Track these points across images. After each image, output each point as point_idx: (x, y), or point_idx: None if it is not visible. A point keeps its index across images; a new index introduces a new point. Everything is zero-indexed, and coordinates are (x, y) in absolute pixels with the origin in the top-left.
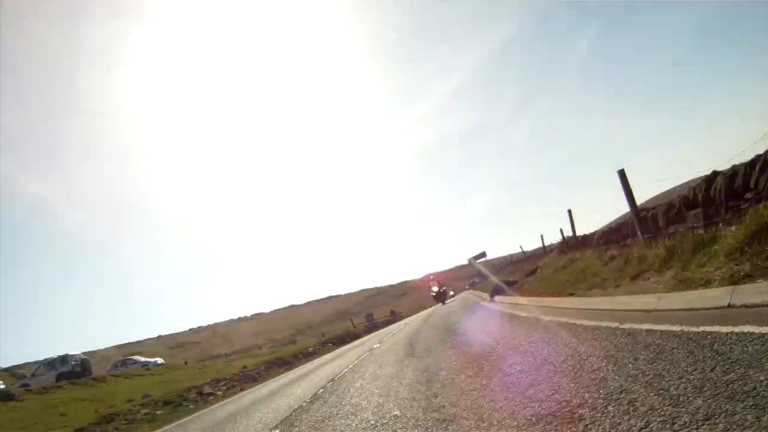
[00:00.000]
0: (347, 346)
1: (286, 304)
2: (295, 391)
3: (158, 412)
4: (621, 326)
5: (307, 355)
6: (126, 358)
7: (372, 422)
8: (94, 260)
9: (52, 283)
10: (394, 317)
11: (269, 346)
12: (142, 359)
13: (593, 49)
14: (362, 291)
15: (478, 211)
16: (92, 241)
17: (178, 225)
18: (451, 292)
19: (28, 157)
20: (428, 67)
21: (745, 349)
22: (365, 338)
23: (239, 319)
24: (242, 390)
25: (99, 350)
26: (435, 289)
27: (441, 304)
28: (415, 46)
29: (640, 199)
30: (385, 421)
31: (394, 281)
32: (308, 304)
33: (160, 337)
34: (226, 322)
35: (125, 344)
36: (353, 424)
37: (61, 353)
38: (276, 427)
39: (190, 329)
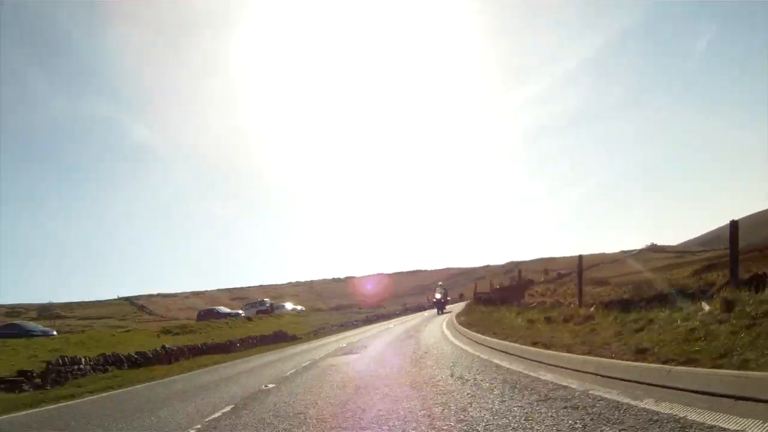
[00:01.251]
0: (417, 313)
1: (376, 272)
2: (401, 319)
3: (341, 327)
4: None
5: (396, 315)
6: (278, 304)
7: (415, 322)
8: (201, 208)
9: (161, 226)
10: (462, 299)
11: (361, 308)
12: (290, 306)
13: (711, 49)
14: (447, 269)
15: (570, 203)
16: (199, 190)
17: (282, 183)
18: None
19: (140, 105)
20: (539, 51)
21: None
22: (427, 312)
23: (332, 279)
24: (374, 323)
25: (208, 291)
26: (438, 296)
27: (438, 312)
28: (528, 27)
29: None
30: (420, 321)
31: (478, 264)
32: (396, 274)
33: (261, 286)
34: (320, 280)
35: (231, 289)
36: (407, 323)
37: (259, 299)
38: (400, 323)
39: (288, 283)
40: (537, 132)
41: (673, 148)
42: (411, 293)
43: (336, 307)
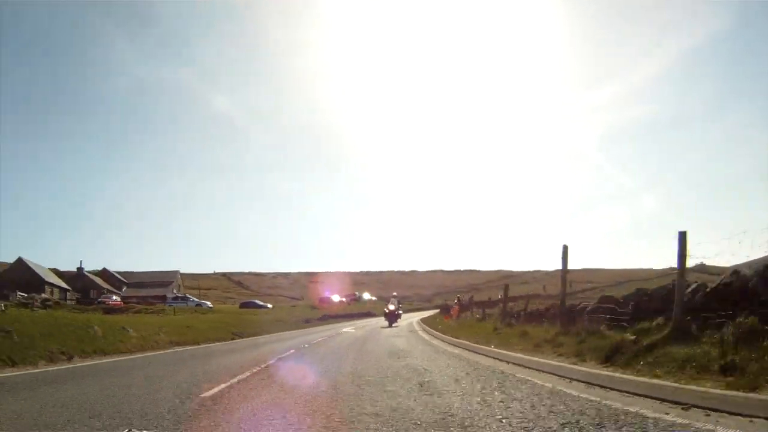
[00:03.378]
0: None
1: (436, 268)
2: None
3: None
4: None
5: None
6: (359, 294)
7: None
8: (279, 185)
9: (239, 202)
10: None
11: (419, 300)
12: (367, 296)
13: None
14: (498, 271)
15: (636, 213)
16: (277, 166)
17: (359, 170)
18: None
19: (222, 77)
20: (626, 50)
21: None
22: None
23: (398, 272)
24: (420, 311)
25: (291, 273)
26: (391, 307)
27: (388, 325)
28: (616, 26)
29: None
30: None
31: (528, 268)
32: (453, 272)
33: (336, 273)
34: (387, 272)
35: (309, 273)
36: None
37: (352, 292)
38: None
39: (360, 272)
40: (612, 137)
41: (753, 163)
42: (462, 290)
43: (399, 296)
